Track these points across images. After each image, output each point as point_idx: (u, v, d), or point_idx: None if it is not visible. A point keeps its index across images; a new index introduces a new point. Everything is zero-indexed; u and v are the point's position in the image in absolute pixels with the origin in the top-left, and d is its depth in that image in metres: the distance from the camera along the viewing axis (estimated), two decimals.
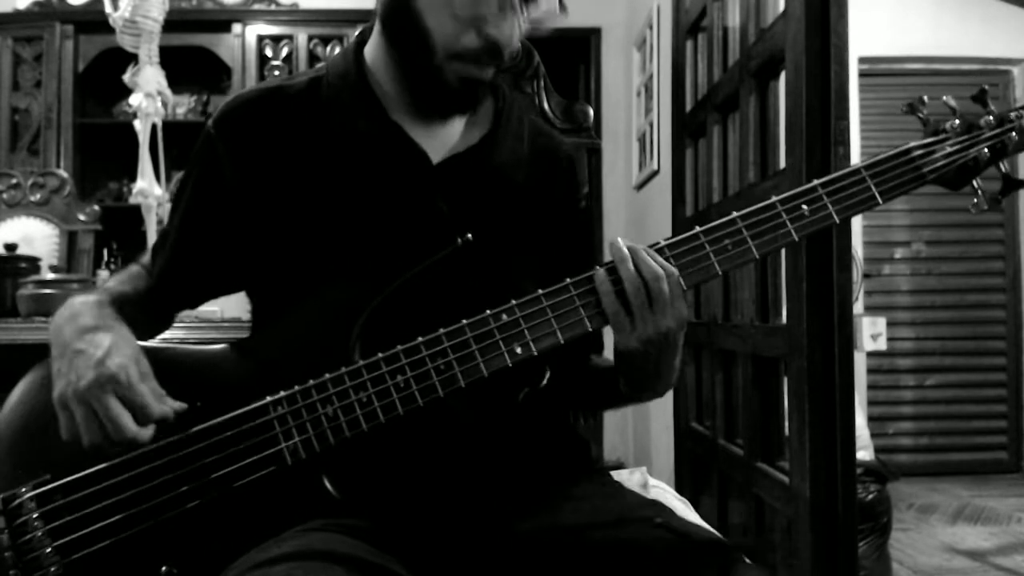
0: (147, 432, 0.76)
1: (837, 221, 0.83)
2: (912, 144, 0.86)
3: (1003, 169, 0.88)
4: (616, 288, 0.80)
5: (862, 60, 3.90)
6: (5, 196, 2.87)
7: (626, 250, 0.80)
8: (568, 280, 0.81)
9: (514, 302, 0.80)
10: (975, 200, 0.88)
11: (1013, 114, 0.87)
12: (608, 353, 0.97)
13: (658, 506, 0.88)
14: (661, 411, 2.92)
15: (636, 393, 0.91)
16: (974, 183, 0.88)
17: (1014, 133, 0.86)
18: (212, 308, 2.08)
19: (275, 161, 0.89)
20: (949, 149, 0.86)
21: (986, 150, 0.86)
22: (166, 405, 0.78)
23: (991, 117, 0.87)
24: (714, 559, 0.77)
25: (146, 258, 0.99)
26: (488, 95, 0.96)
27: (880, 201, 0.84)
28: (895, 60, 4.11)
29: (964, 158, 0.86)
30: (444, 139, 0.93)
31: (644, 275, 0.79)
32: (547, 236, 0.97)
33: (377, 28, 0.92)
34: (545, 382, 0.86)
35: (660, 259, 0.81)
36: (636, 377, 0.87)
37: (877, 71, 4.04)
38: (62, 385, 0.77)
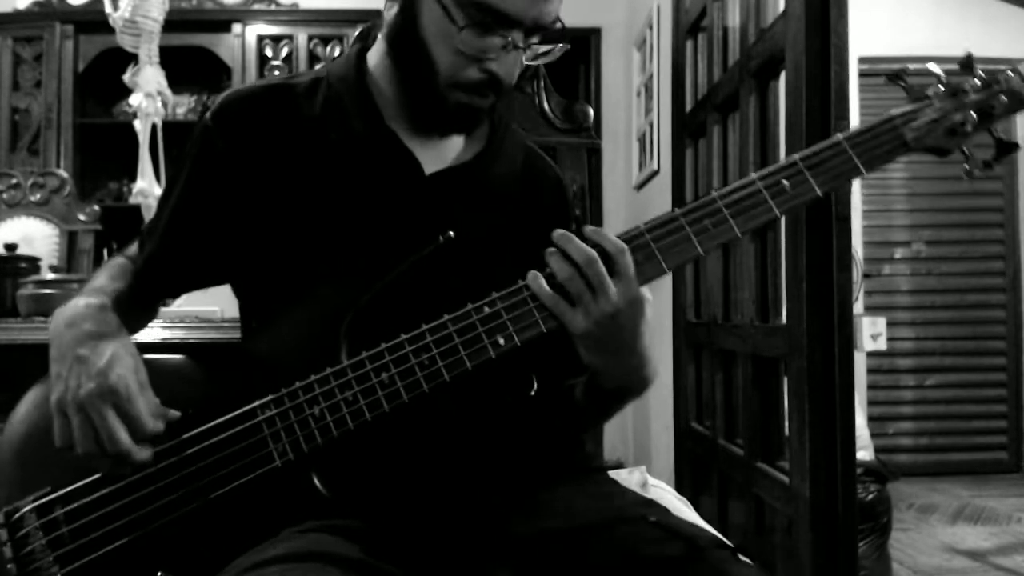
0: (139, 449, 0.76)
1: (820, 194, 0.82)
2: (893, 111, 0.84)
3: (995, 133, 0.86)
4: (549, 281, 0.79)
5: (862, 60, 3.90)
6: (5, 196, 2.87)
7: (557, 241, 0.79)
8: (549, 269, 0.80)
9: (495, 294, 0.80)
10: (966, 166, 0.86)
11: (1001, 76, 0.84)
12: None
13: (653, 504, 0.88)
14: (661, 411, 2.92)
15: (604, 388, 0.89)
16: (964, 149, 0.85)
17: (1003, 95, 0.84)
18: (212, 308, 2.08)
19: (271, 158, 0.89)
20: (932, 115, 0.84)
21: (973, 114, 0.83)
22: (162, 417, 0.78)
23: (976, 80, 0.84)
24: (709, 556, 0.77)
25: (131, 249, 0.98)
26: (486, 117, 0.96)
27: (864, 171, 0.82)
28: (895, 60, 4.10)
29: (948, 122, 0.83)
30: (440, 152, 0.93)
31: (576, 260, 0.78)
32: (533, 251, 0.97)
33: (380, 48, 0.92)
34: (533, 392, 0.85)
35: (607, 238, 0.78)
36: (599, 363, 0.85)
37: (877, 71, 4.04)
38: (60, 390, 0.77)
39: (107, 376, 0.76)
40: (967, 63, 0.86)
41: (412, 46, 0.86)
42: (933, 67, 0.85)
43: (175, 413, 0.79)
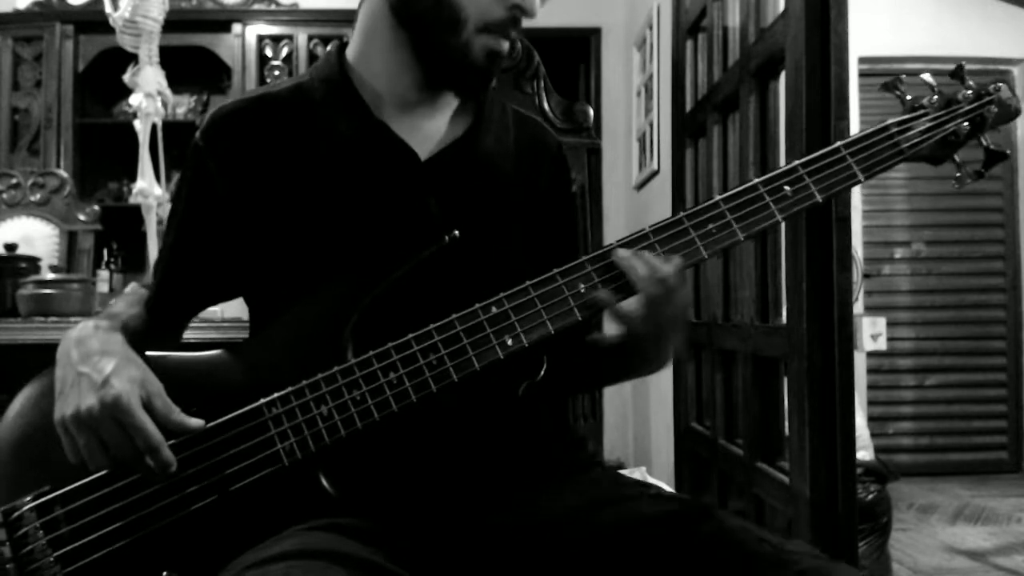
0: (149, 460, 0.75)
1: (820, 200, 0.83)
2: (890, 120, 0.86)
3: (984, 142, 0.88)
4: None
5: (862, 60, 3.90)
6: (5, 196, 2.88)
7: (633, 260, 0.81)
8: (555, 270, 0.81)
9: (503, 294, 0.80)
10: (957, 175, 0.89)
11: (991, 87, 0.87)
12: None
13: (648, 486, 0.89)
14: (661, 411, 2.92)
15: (641, 361, 0.94)
16: (955, 157, 0.88)
17: (993, 106, 0.87)
18: (212, 308, 2.08)
19: (264, 168, 0.89)
20: (927, 124, 0.86)
21: (966, 124, 0.86)
22: (179, 426, 0.77)
23: (969, 91, 0.87)
24: (713, 513, 0.80)
25: (149, 278, 1.00)
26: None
27: (862, 178, 0.84)
28: (895, 60, 4.11)
29: (942, 132, 0.86)
30: (430, 133, 0.93)
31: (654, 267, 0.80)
32: (536, 224, 0.97)
33: (371, 22, 0.92)
34: (543, 374, 0.86)
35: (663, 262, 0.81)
36: (641, 346, 0.89)
37: (877, 71, 4.04)
38: (61, 408, 0.77)
39: (107, 387, 0.75)
40: (958, 73, 0.89)
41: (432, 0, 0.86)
42: (927, 77, 0.88)
43: (198, 422, 0.78)
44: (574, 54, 4.22)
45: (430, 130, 0.93)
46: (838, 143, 0.85)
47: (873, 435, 3.21)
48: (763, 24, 1.81)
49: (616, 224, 3.75)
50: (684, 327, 0.87)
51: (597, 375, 1.05)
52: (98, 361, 0.78)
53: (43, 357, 0.85)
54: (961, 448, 4.33)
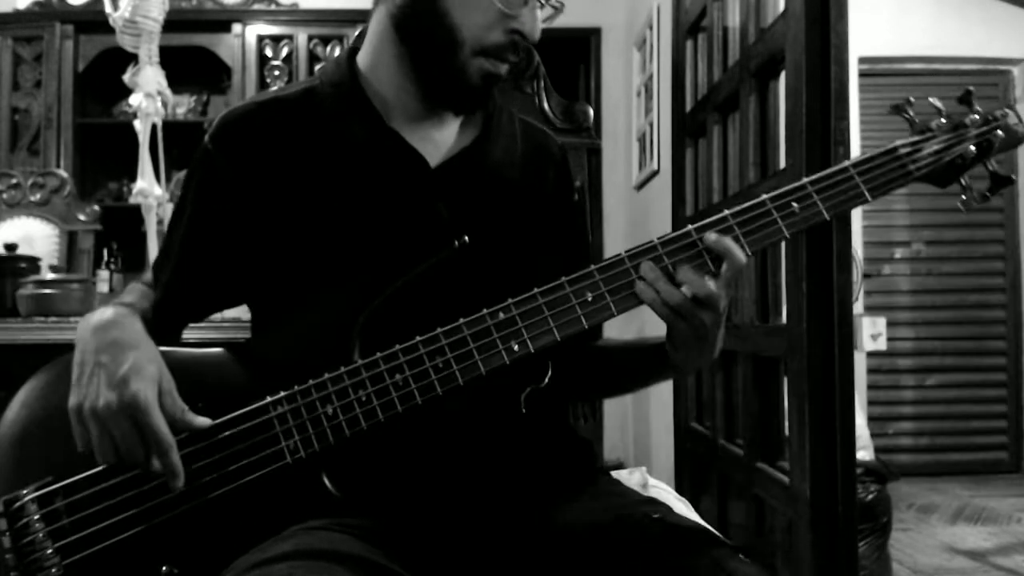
0: (158, 462, 0.76)
1: (827, 218, 0.84)
2: (899, 142, 0.87)
3: (990, 167, 0.89)
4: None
5: (862, 60, 3.90)
6: (5, 196, 2.88)
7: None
8: (564, 278, 0.81)
9: (510, 300, 0.80)
10: (963, 197, 0.89)
11: (999, 112, 0.88)
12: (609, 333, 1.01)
13: (656, 503, 0.88)
14: (661, 411, 2.92)
15: (685, 364, 0.93)
16: (962, 180, 0.89)
17: (999, 131, 0.87)
18: None
19: (274, 172, 0.89)
20: (935, 147, 0.87)
21: (972, 148, 0.87)
22: (187, 425, 0.78)
23: (976, 116, 0.88)
24: (709, 552, 0.78)
25: (147, 276, 0.99)
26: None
27: (869, 198, 0.85)
28: (895, 60, 4.11)
29: (950, 155, 0.87)
30: (440, 142, 0.93)
31: (699, 296, 0.80)
32: (543, 231, 0.97)
33: (378, 33, 0.92)
34: (547, 380, 0.86)
35: (734, 254, 0.81)
36: (683, 356, 0.88)
37: (877, 71, 4.04)
38: (79, 397, 0.77)
39: (126, 386, 0.75)
40: (966, 98, 0.89)
41: (431, 18, 0.85)
42: (935, 101, 0.88)
43: (205, 421, 0.78)
44: (574, 54, 4.22)
45: (439, 139, 0.94)
46: (847, 162, 0.85)
47: (873, 435, 3.21)
48: (763, 24, 1.81)
49: (616, 224, 3.75)
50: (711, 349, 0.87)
51: (610, 381, 1.05)
52: (117, 353, 0.78)
53: (43, 357, 0.85)
54: (961, 448, 4.32)
